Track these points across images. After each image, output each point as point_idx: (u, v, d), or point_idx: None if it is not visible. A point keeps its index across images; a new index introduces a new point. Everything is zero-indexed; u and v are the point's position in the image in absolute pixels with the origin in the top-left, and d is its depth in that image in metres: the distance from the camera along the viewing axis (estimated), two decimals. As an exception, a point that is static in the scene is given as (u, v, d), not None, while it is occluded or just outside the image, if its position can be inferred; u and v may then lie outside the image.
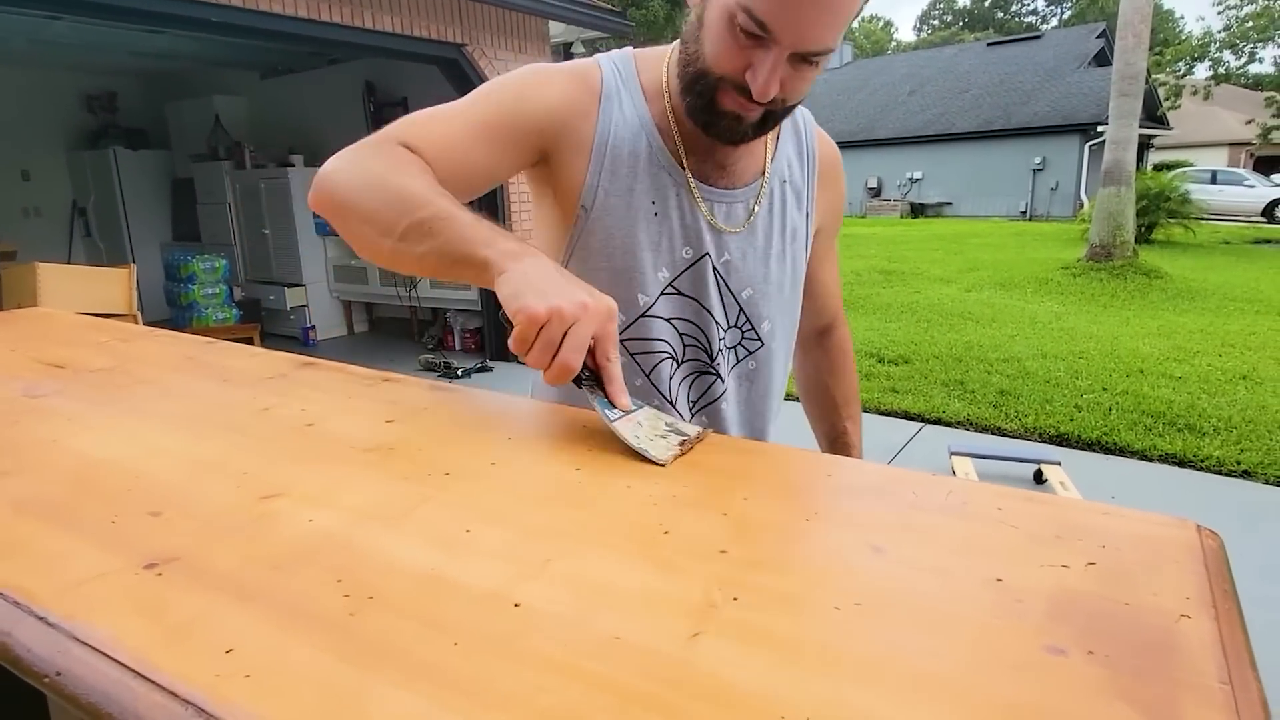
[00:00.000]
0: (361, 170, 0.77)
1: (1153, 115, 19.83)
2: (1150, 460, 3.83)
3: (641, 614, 0.39)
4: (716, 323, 0.91)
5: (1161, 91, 22.33)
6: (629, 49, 0.93)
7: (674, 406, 0.92)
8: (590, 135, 0.85)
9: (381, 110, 6.54)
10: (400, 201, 0.72)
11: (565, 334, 0.60)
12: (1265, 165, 24.93)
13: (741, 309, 0.92)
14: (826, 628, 0.38)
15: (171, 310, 6.29)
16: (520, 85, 0.86)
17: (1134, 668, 0.34)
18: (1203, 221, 12.87)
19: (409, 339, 6.80)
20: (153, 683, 0.34)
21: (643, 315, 0.88)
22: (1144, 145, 19.42)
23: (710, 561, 0.44)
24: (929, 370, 5.22)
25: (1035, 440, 4.11)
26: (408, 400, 0.74)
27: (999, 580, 0.42)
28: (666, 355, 0.90)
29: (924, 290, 8.29)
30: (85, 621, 0.39)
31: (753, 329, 0.94)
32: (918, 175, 21.10)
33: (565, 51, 6.96)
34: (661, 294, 0.88)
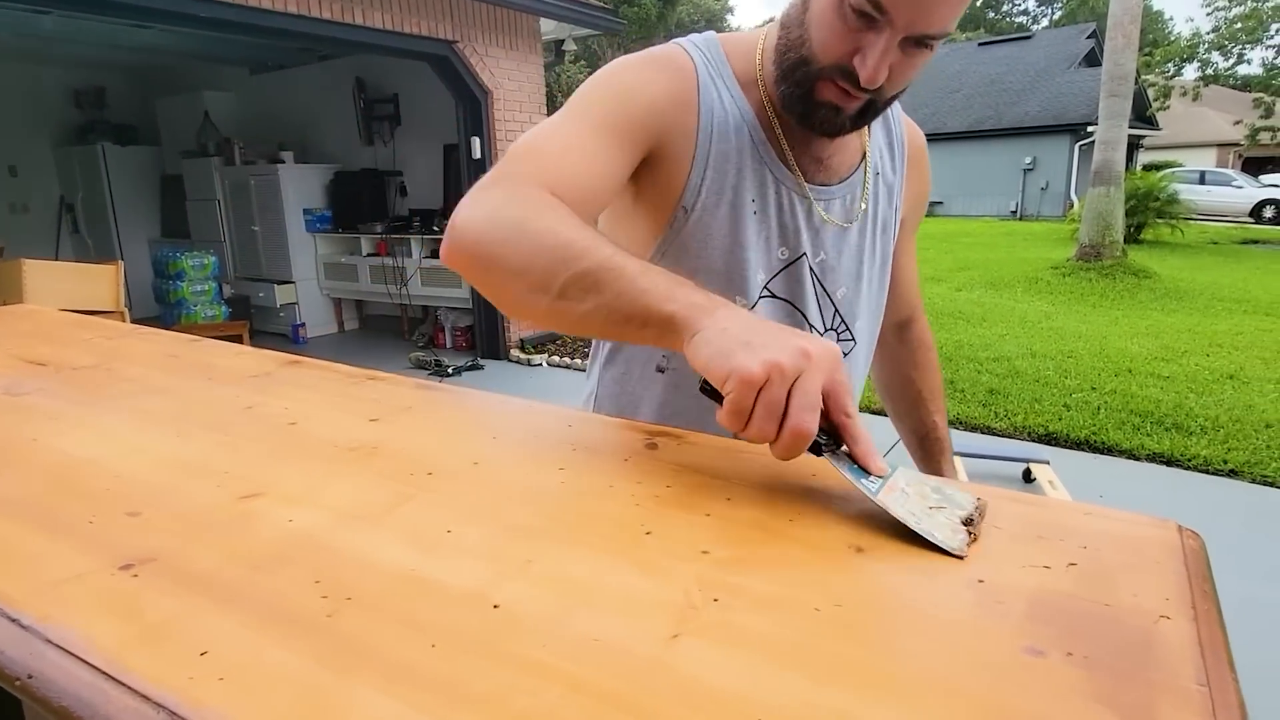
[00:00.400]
0: (500, 218, 0.66)
1: (1142, 116, 19.94)
2: (1138, 459, 3.85)
3: (621, 615, 0.39)
4: (812, 327, 0.86)
5: (1151, 92, 22.46)
6: (711, 33, 0.86)
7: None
8: (694, 128, 0.79)
9: (372, 106, 6.52)
10: (553, 252, 0.62)
11: (790, 393, 0.49)
12: (1253, 166, 25.11)
13: (837, 309, 0.88)
14: (806, 629, 0.38)
15: (160, 307, 6.25)
16: (619, 84, 0.79)
17: (1112, 669, 0.35)
18: (1191, 222, 12.96)
19: (400, 337, 6.79)
20: (125, 685, 0.34)
21: None
22: (1133, 145, 19.52)
23: (691, 562, 0.44)
24: (919, 369, 5.23)
25: (1024, 439, 4.13)
26: (392, 399, 0.73)
27: (980, 581, 0.42)
28: None
29: (915, 289, 8.30)
30: (59, 624, 0.38)
31: (847, 329, 0.90)
32: (909, 174, 21.11)
33: (557, 49, 6.95)
34: (759, 299, 0.83)
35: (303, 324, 6.76)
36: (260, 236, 6.81)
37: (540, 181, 0.69)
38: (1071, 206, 16.00)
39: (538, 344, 6.16)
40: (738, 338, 0.52)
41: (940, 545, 0.45)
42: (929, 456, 1.10)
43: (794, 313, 0.86)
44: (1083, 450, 3.99)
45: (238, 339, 5.19)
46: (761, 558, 0.45)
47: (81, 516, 0.50)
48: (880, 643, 0.37)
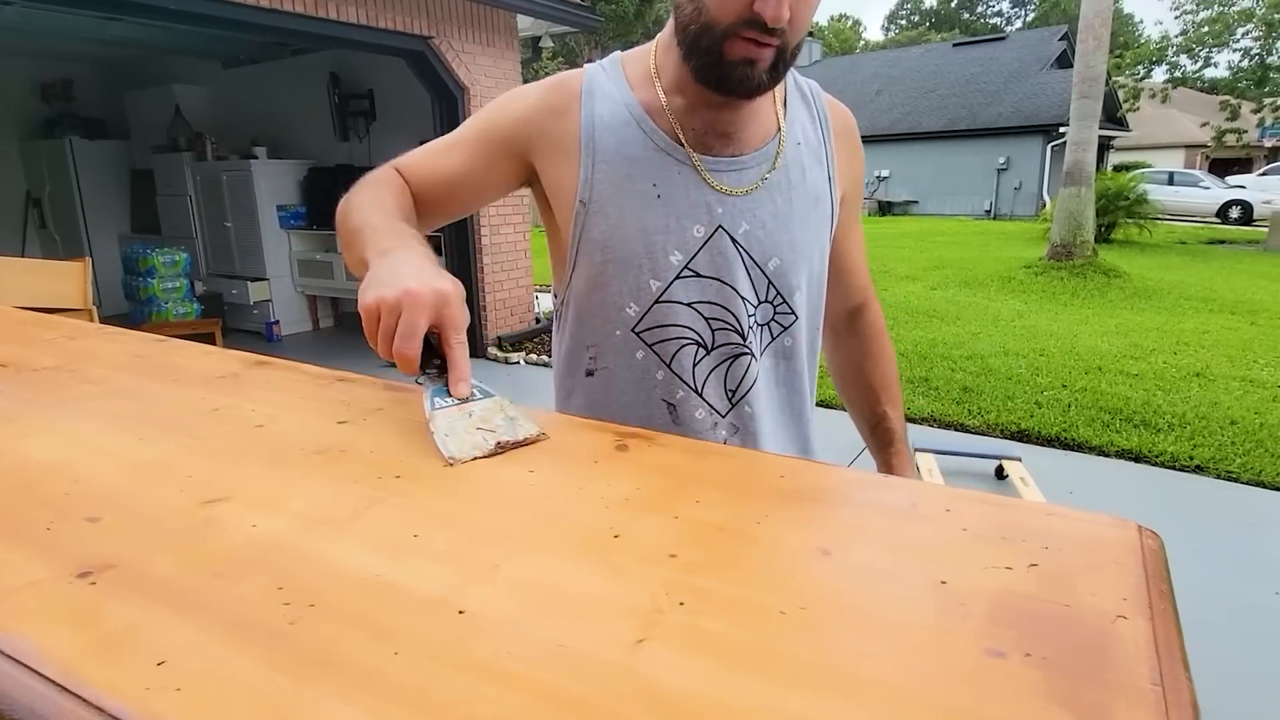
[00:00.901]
0: (351, 195, 0.87)
1: (1112, 117, 20.27)
2: (1107, 455, 3.92)
3: (587, 620, 0.39)
4: (744, 299, 0.87)
5: (1121, 94, 22.82)
6: (616, 53, 0.94)
7: (701, 395, 0.88)
8: (574, 132, 0.86)
9: (347, 102, 6.45)
10: (349, 217, 0.82)
11: (397, 324, 0.62)
12: (1220, 167, 25.62)
13: (771, 281, 0.88)
14: (771, 632, 0.38)
15: (130, 305, 6.14)
16: (496, 105, 0.92)
17: (1069, 669, 0.35)
18: (1159, 222, 13.19)
19: (375, 334, 6.72)
20: (79, 697, 0.33)
21: (657, 302, 0.86)
22: (1104, 146, 19.83)
23: (659, 565, 0.44)
24: (895, 367, 5.28)
25: (997, 436, 4.18)
26: (362, 400, 0.72)
27: (943, 583, 0.43)
28: (689, 342, 0.87)
29: (891, 288, 8.38)
30: (12, 633, 0.37)
31: (784, 301, 0.89)
32: (885, 174, 21.34)
33: (534, 46, 6.92)
34: (677, 278, 0.85)
35: (276, 321, 6.68)
36: (233, 233, 6.72)
37: (402, 165, 0.93)
38: (1044, 206, 16.22)
39: (515, 342, 6.13)
40: (377, 277, 0.65)
41: (439, 446, 0.58)
42: (880, 446, 1.08)
43: (723, 288, 0.86)
44: (1054, 447, 4.05)
45: (210, 337, 5.11)
46: (728, 560, 0.45)
47: (39, 522, 0.49)
48: (844, 646, 0.37)
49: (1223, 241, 13.85)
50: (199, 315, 6.21)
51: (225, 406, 0.71)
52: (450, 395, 0.63)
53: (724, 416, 0.89)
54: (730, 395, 0.89)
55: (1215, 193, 18.76)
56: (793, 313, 0.91)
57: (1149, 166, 20.34)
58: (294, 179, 6.73)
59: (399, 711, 0.32)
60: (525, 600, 0.41)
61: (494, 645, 0.37)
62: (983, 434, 4.22)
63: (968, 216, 19.38)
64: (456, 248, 5.83)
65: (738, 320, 0.87)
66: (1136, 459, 3.87)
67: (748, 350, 0.88)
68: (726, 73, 0.79)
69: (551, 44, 7.24)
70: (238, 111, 7.16)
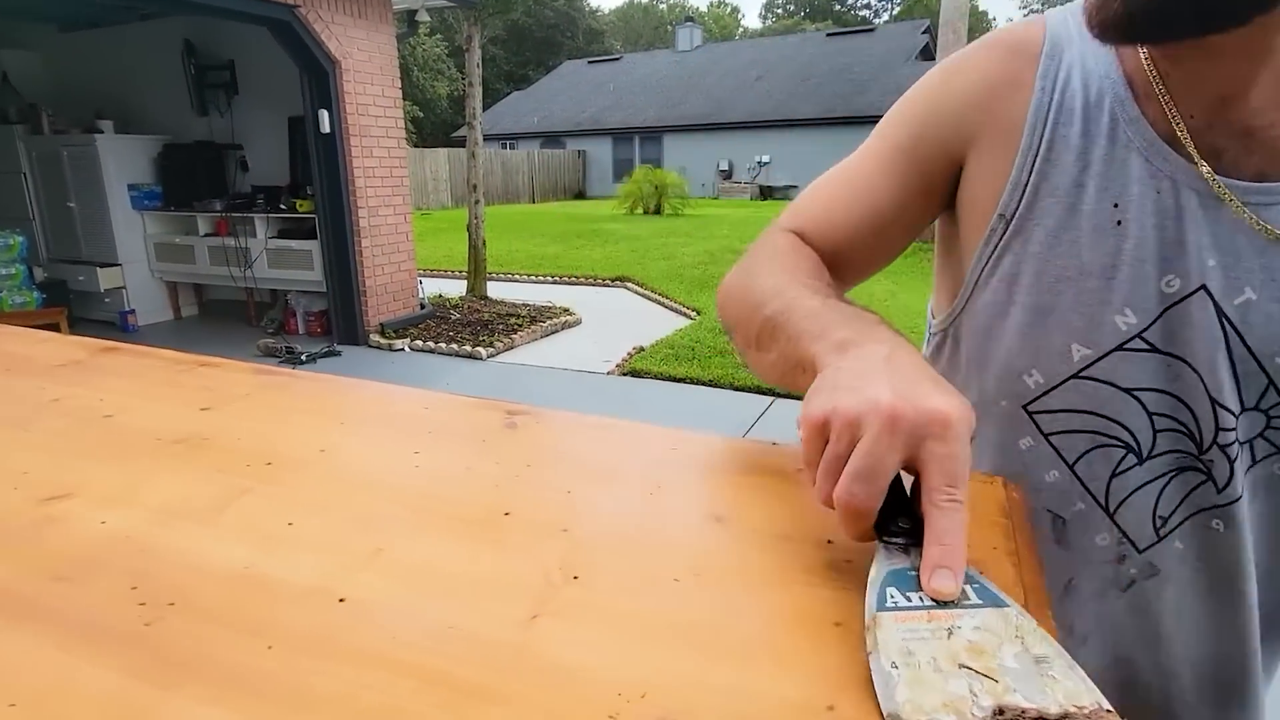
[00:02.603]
0: (735, 275, 0.64)
1: (972, 108, 21.61)
2: (971, 424, 4.20)
3: (478, 600, 0.38)
4: (1214, 400, 0.56)
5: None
6: None
7: (1112, 516, 0.61)
8: (1022, 111, 0.59)
9: (205, 73, 6.00)
10: (749, 300, 0.58)
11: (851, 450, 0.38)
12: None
13: (1272, 380, 0.55)
14: (666, 600, 0.38)
15: (-45, 294, 5.50)
16: (926, 89, 0.65)
17: (947, 615, 0.37)
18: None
19: (246, 323, 6.33)
20: (-113, 724, 0.29)
21: (1075, 376, 0.59)
22: (965, 136, 21.13)
23: (551, 540, 0.43)
24: (779, 346, 5.46)
25: (874, 409, 4.40)
26: (226, 386, 0.67)
27: (830, 542, 0.44)
28: (1113, 443, 0.59)
29: (773, 269, 8.65)
30: None
31: None
32: (766, 159, 21.94)
33: (410, 20, 6.65)
34: (1119, 348, 0.57)
35: (132, 310, 6.16)
36: (77, 214, 6.13)
37: (798, 224, 0.67)
38: (912, 191, 17.12)
39: (399, 328, 5.93)
40: (841, 381, 0.41)
41: (879, 688, 0.31)
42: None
43: (1185, 374, 0.56)
44: (924, 417, 4.31)
45: (54, 329, 4.66)
46: (622, 533, 0.45)
47: None
48: (738, 609, 0.38)
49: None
50: (40, 305, 5.64)
51: (67, 396, 0.65)
52: (918, 588, 0.36)
53: (1140, 552, 0.61)
54: (1158, 526, 0.60)
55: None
56: None
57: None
58: (147, 156, 6.21)
59: (275, 709, 0.30)
60: (411, 584, 0.39)
61: (378, 632, 0.35)
62: (861, 407, 4.43)
63: (844, 201, 20.23)
64: (333, 229, 5.55)
65: (1198, 425, 0.57)
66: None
67: (1203, 468, 0.58)
68: None
69: (429, 19, 6.99)
70: (78, 81, 6.51)
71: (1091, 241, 0.56)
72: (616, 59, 30.96)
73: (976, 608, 0.35)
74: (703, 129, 22.90)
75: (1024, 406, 0.61)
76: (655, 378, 4.88)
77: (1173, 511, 0.60)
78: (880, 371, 0.41)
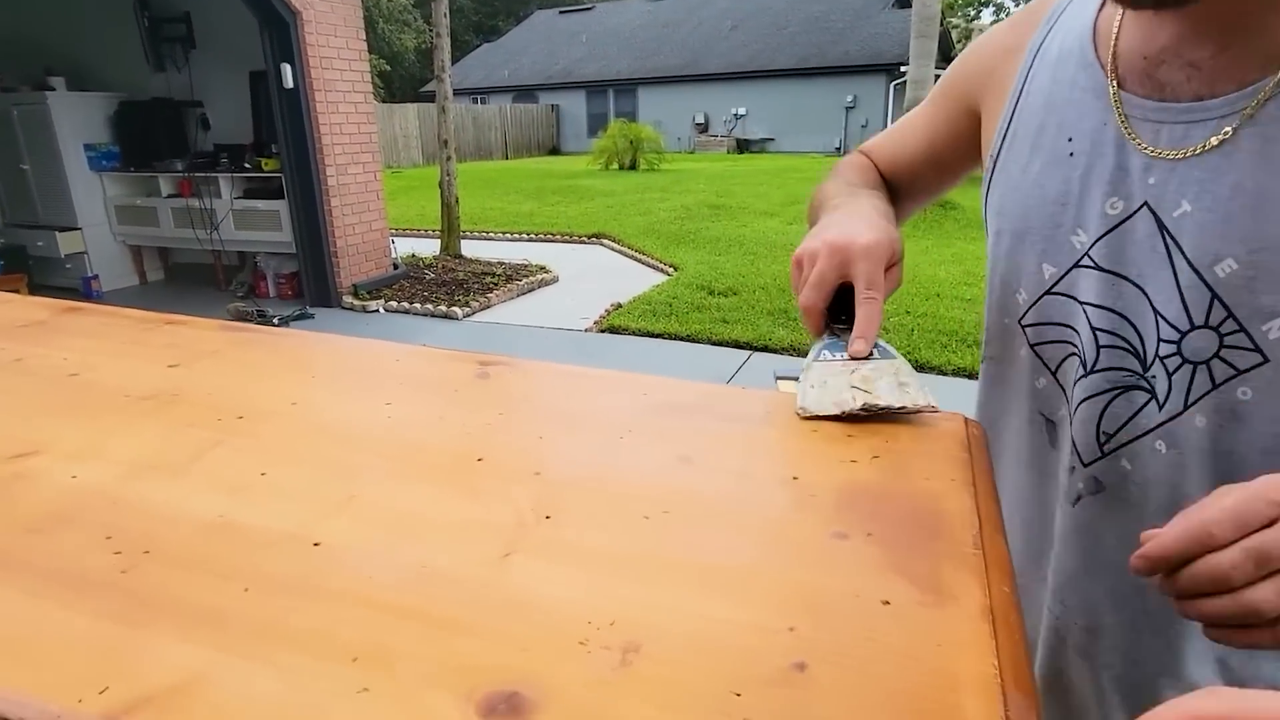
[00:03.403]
0: (816, 189, 0.80)
1: (947, 57, 21.46)
2: (945, 374, 4.26)
3: (451, 541, 0.38)
4: (1159, 314, 0.57)
5: (954, 34, 24.17)
6: None
7: (1070, 423, 0.64)
8: (1014, 72, 0.68)
9: (159, 26, 5.77)
10: (812, 207, 0.77)
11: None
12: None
13: (1215, 295, 0.54)
14: (635, 537, 0.39)
15: (-92, 261, 5.35)
16: (967, 49, 0.78)
17: (904, 543, 0.38)
18: (988, 157, 14.21)
19: (215, 287, 6.22)
20: None
21: (1048, 293, 0.64)
22: (940, 86, 21.01)
23: (524, 484, 0.44)
24: (756, 300, 5.47)
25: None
26: (194, 344, 0.67)
27: (795, 478, 0.45)
28: (1077, 353, 0.63)
29: (750, 224, 8.62)
30: None
31: (1240, 329, 0.54)
32: (742, 111, 21.69)
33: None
34: (1075, 265, 0.62)
35: (95, 276, 6.03)
36: (32, 176, 5.94)
37: (866, 147, 0.87)
38: (888, 143, 17.05)
39: (373, 289, 5.86)
40: (815, 232, 0.62)
41: (799, 397, 0.54)
42: None
43: (1130, 291, 0.59)
44: (899, 368, 4.37)
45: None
46: (594, 475, 0.46)
47: None
48: (706, 543, 0.39)
49: (1041, 175, 15.17)
50: (-1, 271, 5.51)
51: (31, 356, 0.64)
52: (842, 350, 0.57)
53: (1085, 465, 0.63)
54: (1102, 441, 0.62)
55: (1035, 130, 20.39)
56: (1257, 349, 0.54)
57: (979, 105, 21.77)
58: (102, 114, 6.00)
59: (251, 644, 0.31)
60: (385, 529, 0.40)
61: (352, 574, 0.36)
62: (836, 359, 4.48)
63: (819, 154, 20.11)
64: (301, 189, 5.44)
65: (1140, 340, 0.59)
66: (970, 376, 4.23)
67: (1146, 387, 0.59)
68: None
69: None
70: (26, 36, 6.25)
71: (1050, 172, 0.63)
72: (588, 9, 30.22)
73: (876, 360, 0.56)
74: (678, 81, 22.54)
75: (1018, 320, 0.68)
76: (634, 334, 4.88)
77: (1119, 429, 0.61)
78: (836, 222, 0.62)
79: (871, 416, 0.52)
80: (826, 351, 0.57)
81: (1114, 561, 0.63)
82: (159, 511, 0.41)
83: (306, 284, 5.74)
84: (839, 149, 20.45)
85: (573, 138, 24.84)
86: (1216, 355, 0.55)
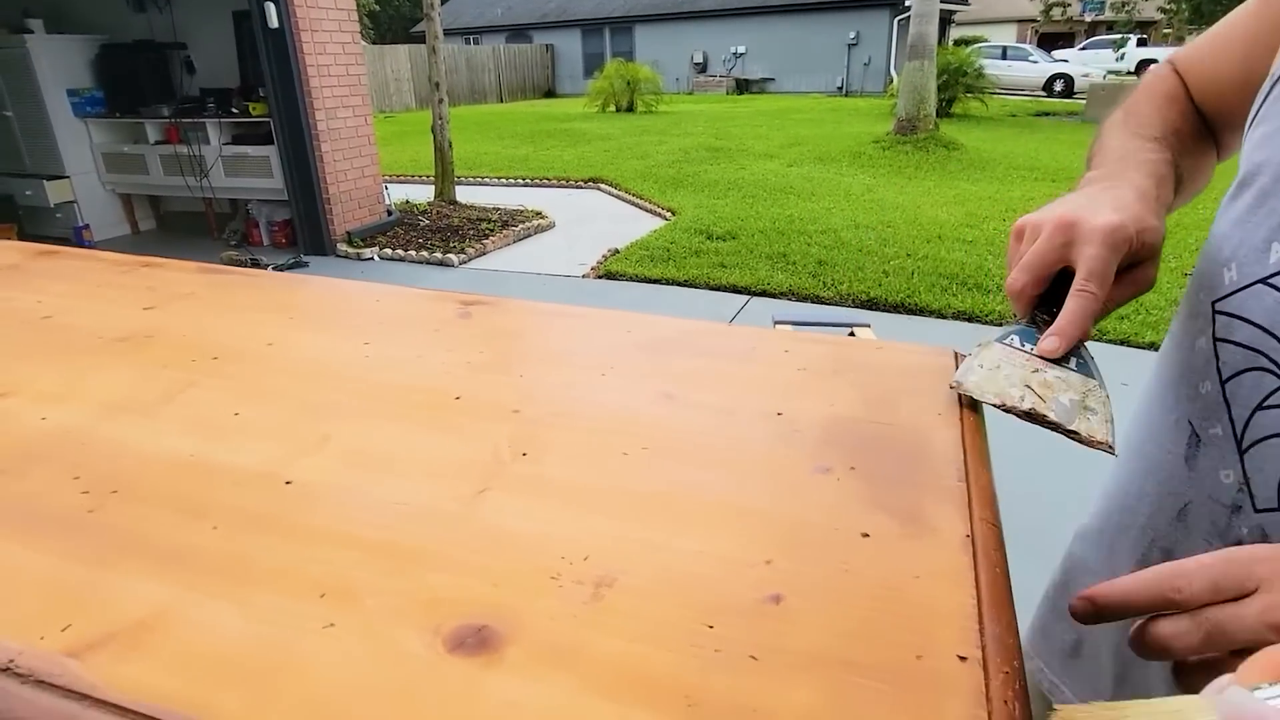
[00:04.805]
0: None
1: (954, -10, 20.84)
2: (945, 318, 4.24)
3: (426, 478, 0.38)
4: None
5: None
6: None
7: (1242, 456, 0.49)
8: None
9: (140, -36, 5.58)
10: (1090, 151, 0.62)
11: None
12: (1047, 41, 27.17)
13: None
14: (613, 473, 0.38)
15: (-105, 212, 5.27)
16: None
17: (888, 477, 0.38)
18: (994, 95, 13.93)
19: (208, 235, 6.15)
20: None
21: (1262, 281, 0.49)
22: (945, 21, 20.46)
23: (501, 422, 0.43)
24: (754, 245, 5.42)
25: (849, 305, 4.43)
26: (170, 286, 0.65)
27: (779, 414, 0.44)
28: (1270, 369, 0.48)
29: (749, 166, 8.48)
30: None
31: None
32: (741, 50, 21.15)
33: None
34: (1263, 281, 0.48)
35: (86, 225, 5.95)
36: (15, 124, 5.82)
37: (1175, 57, 0.68)
38: (891, 82, 16.71)
39: (367, 236, 5.79)
40: (1052, 203, 0.50)
41: (960, 370, 0.47)
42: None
43: None
44: (899, 313, 4.34)
45: (5, 245, 4.49)
46: (573, 412, 0.45)
47: None
48: (683, 477, 0.38)
49: (1048, 114, 14.85)
50: (-12, 221, 5.44)
51: (3, 299, 0.62)
52: (1031, 342, 0.46)
53: (1256, 512, 0.48)
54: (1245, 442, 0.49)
55: (1042, 66, 19.91)
56: None
57: (986, 41, 21.24)
58: (84, 58, 5.84)
59: (219, 582, 0.30)
60: (359, 466, 0.39)
61: (325, 512, 0.35)
62: (836, 304, 4.45)
63: (821, 94, 19.69)
64: (290, 134, 5.33)
65: None
66: (970, 319, 4.21)
67: None
68: None
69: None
70: (1, -24, 6.05)
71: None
72: (582, -57, 29.23)
73: (1068, 369, 0.45)
74: (675, 18, 21.94)
75: (1213, 302, 0.52)
76: (631, 279, 4.85)
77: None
78: (1079, 197, 0.49)
79: (1031, 421, 0.42)
80: (1016, 336, 0.47)
81: None
82: (129, 451, 0.40)
83: (300, 231, 5.68)
84: (840, 89, 20.00)
85: (568, 79, 24.28)
86: None
